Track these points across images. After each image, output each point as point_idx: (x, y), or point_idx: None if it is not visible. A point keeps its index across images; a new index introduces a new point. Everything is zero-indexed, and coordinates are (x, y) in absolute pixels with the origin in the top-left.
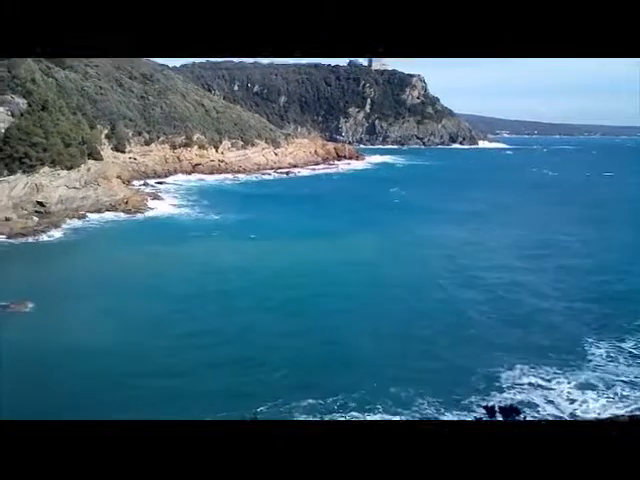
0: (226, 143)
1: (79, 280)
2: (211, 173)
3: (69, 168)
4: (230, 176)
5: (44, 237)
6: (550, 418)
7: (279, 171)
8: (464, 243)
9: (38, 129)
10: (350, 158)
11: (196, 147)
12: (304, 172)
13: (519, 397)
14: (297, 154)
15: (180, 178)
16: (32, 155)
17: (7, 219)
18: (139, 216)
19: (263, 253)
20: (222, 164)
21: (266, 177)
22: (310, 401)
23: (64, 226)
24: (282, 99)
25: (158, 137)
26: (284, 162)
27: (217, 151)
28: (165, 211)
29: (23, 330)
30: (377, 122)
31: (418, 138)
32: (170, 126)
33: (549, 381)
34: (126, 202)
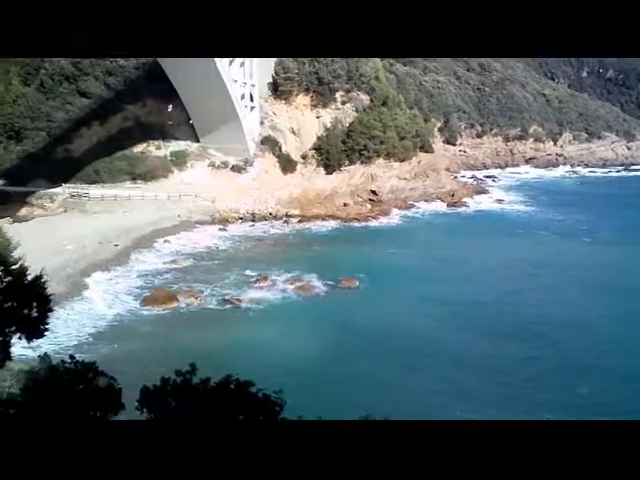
0: (567, 135)
1: (404, 265)
2: (546, 167)
3: (401, 160)
4: (568, 171)
5: (374, 223)
6: None
7: (631, 168)
8: None
9: (377, 123)
10: None
11: (531, 140)
12: None
13: None
14: None
15: (510, 172)
16: (370, 147)
17: (345, 205)
18: (464, 209)
19: (598, 259)
20: (560, 158)
21: (614, 174)
22: None
23: (392, 214)
24: None
25: (491, 129)
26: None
27: (555, 144)
28: (491, 206)
29: (351, 304)
30: None
31: None
32: (505, 117)
33: None
34: (452, 195)
